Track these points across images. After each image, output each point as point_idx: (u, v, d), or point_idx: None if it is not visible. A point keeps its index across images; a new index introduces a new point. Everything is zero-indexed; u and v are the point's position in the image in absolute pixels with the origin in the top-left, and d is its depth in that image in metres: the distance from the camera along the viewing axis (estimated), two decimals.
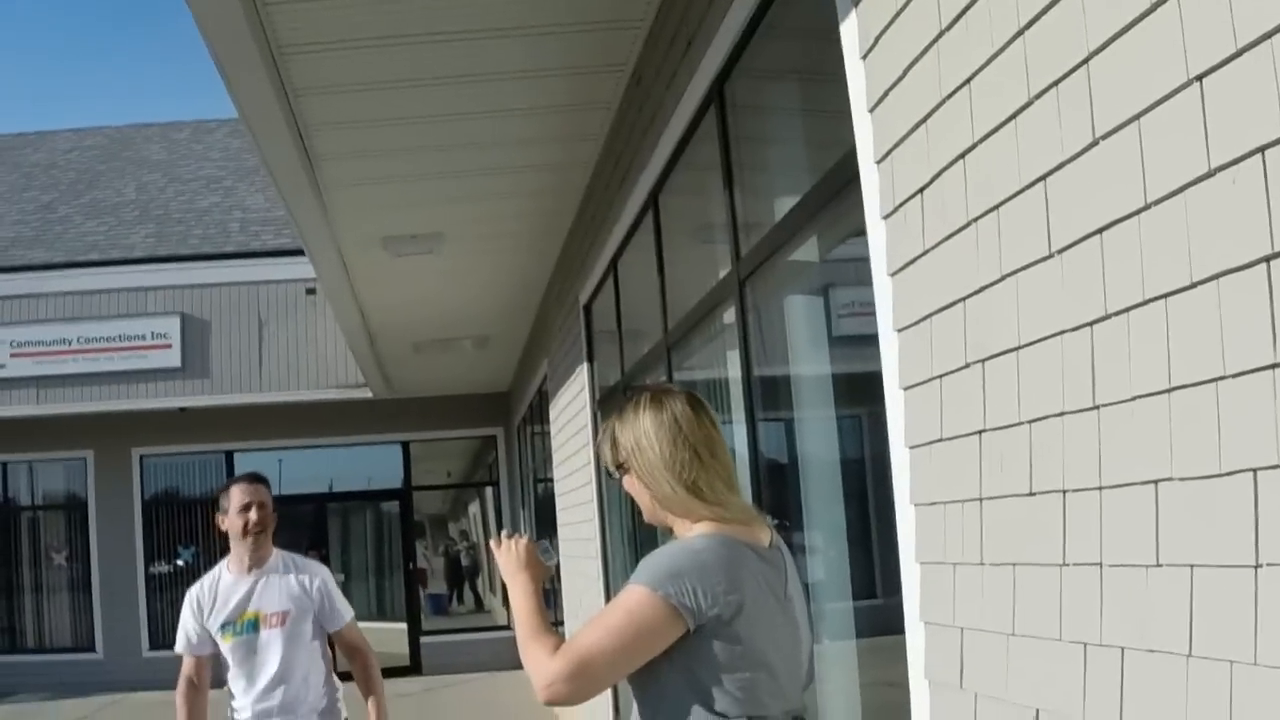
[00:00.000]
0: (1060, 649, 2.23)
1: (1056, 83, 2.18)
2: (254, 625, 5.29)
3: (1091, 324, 2.11)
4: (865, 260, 3.20)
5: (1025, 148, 2.31)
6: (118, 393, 16.79)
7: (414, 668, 18.73)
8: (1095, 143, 2.07)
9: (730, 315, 5.03)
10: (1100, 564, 2.10)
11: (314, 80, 5.92)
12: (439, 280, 10.69)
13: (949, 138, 2.63)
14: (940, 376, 2.75)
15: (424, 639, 19.27)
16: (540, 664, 2.54)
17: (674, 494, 2.68)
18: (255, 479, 5.50)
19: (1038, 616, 2.32)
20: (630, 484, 2.79)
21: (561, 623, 11.32)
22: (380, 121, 6.61)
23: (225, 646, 5.30)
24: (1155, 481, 1.94)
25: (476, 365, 15.88)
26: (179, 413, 17.52)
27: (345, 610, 5.58)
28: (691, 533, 2.65)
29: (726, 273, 4.98)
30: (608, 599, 8.45)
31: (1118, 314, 2.03)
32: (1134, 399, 2.00)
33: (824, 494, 4.51)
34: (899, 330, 3.00)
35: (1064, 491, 2.22)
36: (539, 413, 13.84)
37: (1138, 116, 1.95)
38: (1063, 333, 2.21)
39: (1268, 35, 1.64)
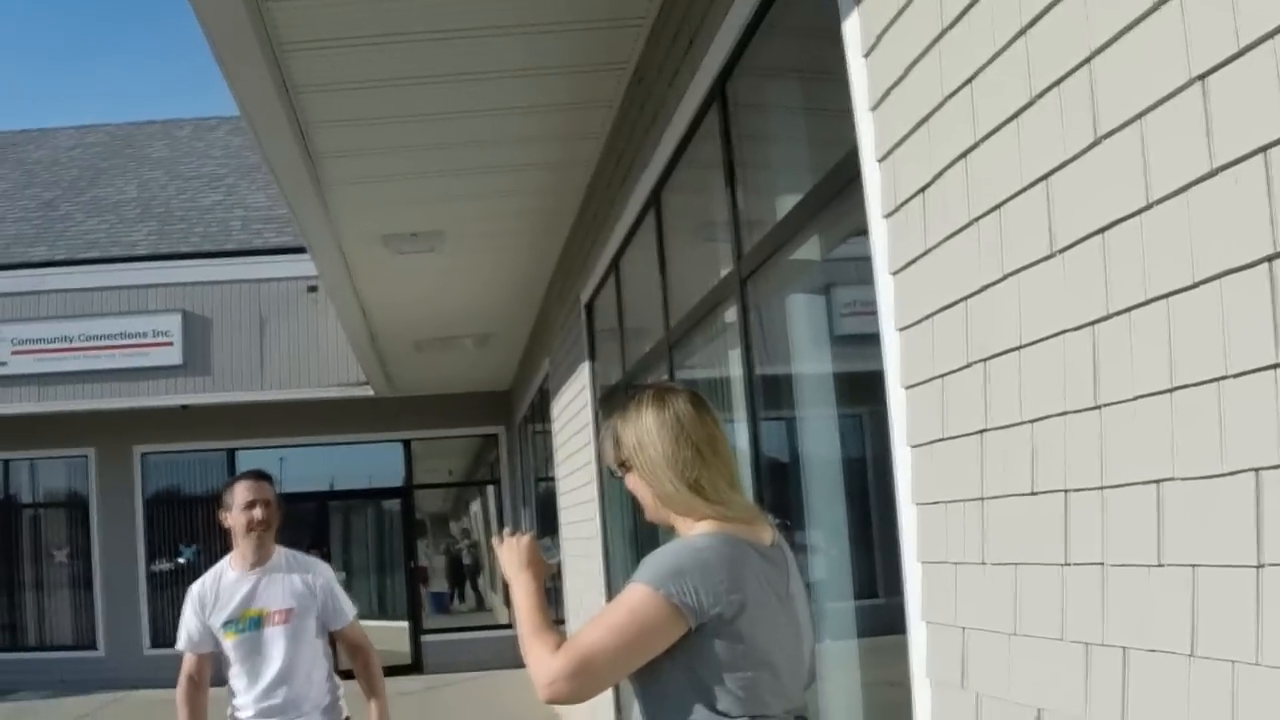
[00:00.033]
0: (1062, 649, 2.23)
1: (1058, 82, 2.18)
2: (257, 623, 5.27)
3: (1093, 323, 2.11)
4: (867, 259, 3.19)
5: (1027, 147, 2.31)
6: (119, 390, 16.80)
7: (415, 666, 18.74)
8: (1097, 142, 2.07)
9: (732, 314, 5.03)
10: (1102, 564, 2.10)
11: (315, 77, 5.91)
12: (440, 278, 10.69)
13: (951, 137, 2.63)
14: (942, 376, 2.75)
15: (425, 637, 19.28)
16: (542, 662, 2.53)
17: (676, 492, 2.68)
18: (260, 476, 5.49)
19: (1040, 616, 2.32)
20: (633, 482, 2.79)
21: (563, 621, 11.32)
22: (381, 119, 6.61)
23: (228, 644, 5.28)
24: (1157, 481, 1.94)
25: (478, 364, 15.88)
26: (180, 410, 17.52)
27: (348, 608, 5.58)
28: (693, 531, 2.65)
29: (728, 271, 4.98)
30: (609, 598, 8.45)
31: (1120, 313, 2.03)
32: (1136, 399, 2.00)
33: (825, 493, 4.51)
34: (901, 329, 3.00)
35: (1066, 491, 2.22)
36: (540, 411, 13.84)
37: (1140, 116, 1.95)
38: (1065, 332, 2.20)
39: (1270, 35, 1.64)
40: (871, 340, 3.22)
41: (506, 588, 2.97)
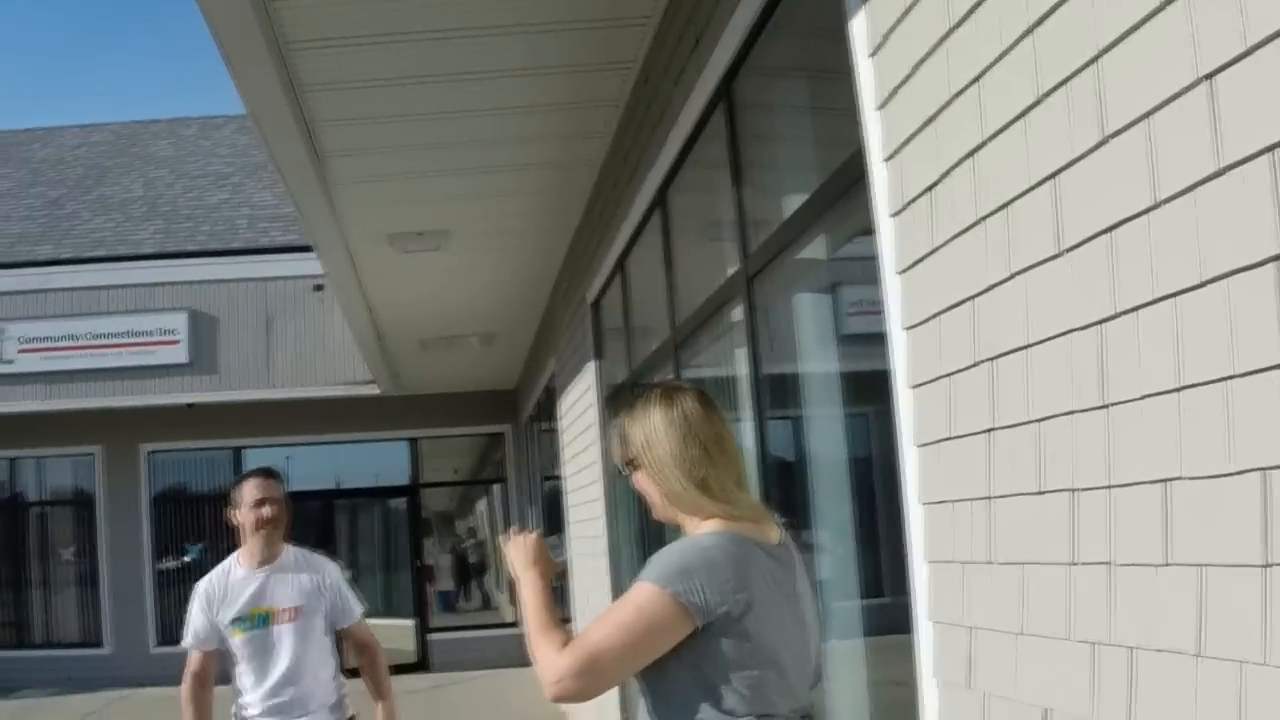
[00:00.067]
0: (1069, 648, 2.23)
1: (1066, 81, 2.18)
2: (265, 620, 5.27)
3: (1101, 323, 2.11)
4: (873, 258, 3.19)
5: (1035, 146, 2.31)
6: (125, 388, 16.81)
7: (422, 664, 18.75)
8: (1105, 141, 2.07)
9: (738, 313, 5.03)
10: (1110, 563, 2.10)
11: (321, 76, 5.92)
12: (446, 277, 10.70)
13: (958, 136, 2.63)
14: (949, 375, 2.75)
15: (432, 636, 19.29)
16: (549, 660, 2.54)
17: (683, 491, 2.68)
18: (269, 474, 5.48)
19: (1047, 615, 2.31)
20: (640, 481, 2.80)
21: (569, 620, 11.32)
22: (386, 118, 6.62)
23: (235, 642, 5.27)
24: (1165, 480, 1.94)
25: (484, 362, 15.89)
26: (187, 409, 17.52)
27: (356, 607, 5.58)
28: (700, 530, 2.66)
29: (734, 270, 4.98)
30: (615, 596, 8.45)
31: (1127, 313, 2.03)
32: (1143, 398, 1.99)
33: (832, 492, 4.51)
34: (907, 328, 3.00)
35: (1073, 490, 2.22)
36: (546, 410, 13.85)
37: (1148, 115, 1.95)
38: (1072, 331, 2.20)
39: (1278, 34, 1.63)
40: (878, 339, 3.22)
41: (513, 586, 2.96)
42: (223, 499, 5.55)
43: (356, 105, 6.36)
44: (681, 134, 5.53)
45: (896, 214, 3.02)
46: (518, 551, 2.90)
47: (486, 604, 20.80)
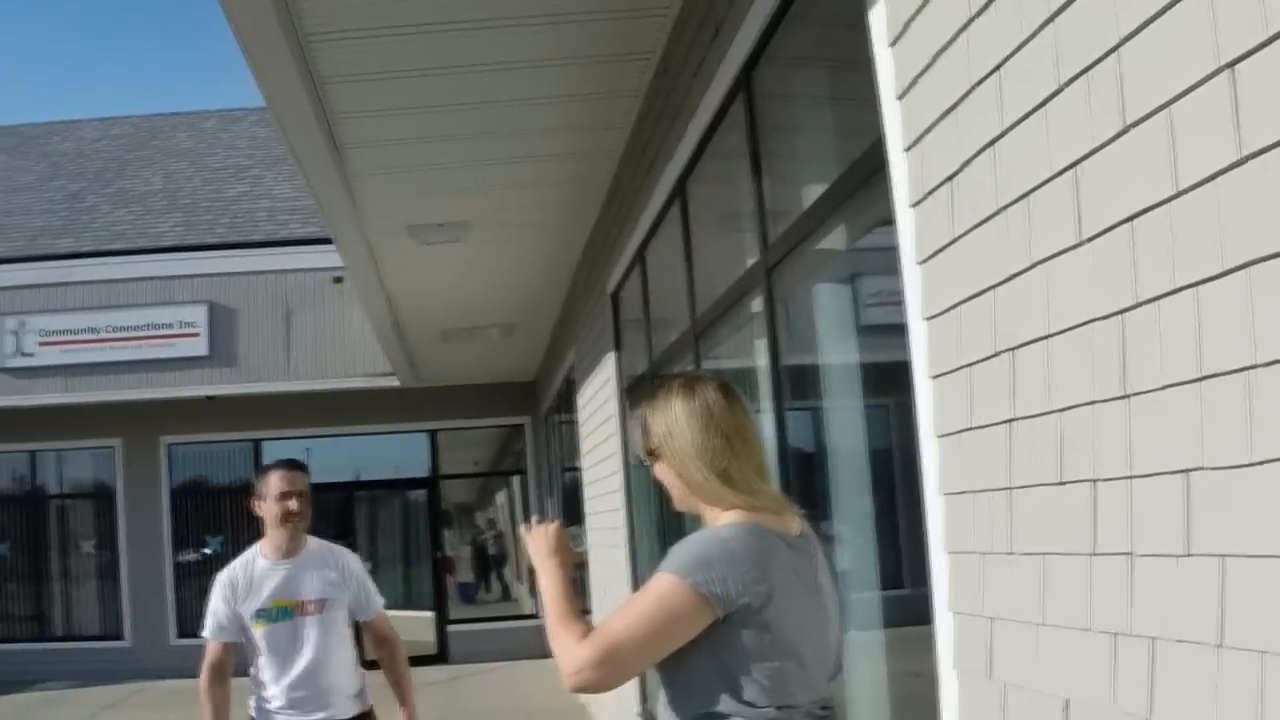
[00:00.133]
0: (1090, 639, 2.22)
1: (1087, 70, 2.17)
2: (288, 612, 5.27)
3: (1122, 312, 2.11)
4: (893, 249, 3.19)
5: (1055, 135, 2.30)
6: (145, 381, 16.85)
7: (441, 656, 18.80)
8: (1126, 130, 2.06)
9: (758, 304, 5.02)
10: (1130, 553, 2.09)
11: (340, 68, 5.93)
12: (466, 269, 10.71)
13: (978, 125, 2.63)
14: (969, 365, 2.75)
15: (451, 627, 19.33)
16: (568, 650, 2.54)
17: (705, 481, 2.68)
18: (296, 466, 5.48)
19: (1067, 606, 2.31)
20: (661, 471, 2.80)
21: (589, 611, 11.33)
22: (406, 109, 6.62)
23: (257, 634, 5.28)
24: (1186, 471, 1.93)
25: (503, 354, 15.90)
26: (207, 401, 17.58)
27: (377, 599, 5.59)
28: (721, 521, 2.65)
29: (754, 261, 4.97)
30: (635, 588, 8.46)
31: (1148, 302, 2.03)
32: (1165, 388, 1.99)
33: (852, 483, 4.51)
34: (928, 319, 2.99)
35: (1094, 481, 2.21)
36: (566, 401, 13.86)
37: (1169, 104, 1.94)
38: (1093, 321, 2.20)
39: None
40: (898, 330, 3.22)
41: (533, 576, 2.97)
42: (243, 491, 5.55)
43: (376, 97, 6.37)
44: (701, 124, 5.53)
45: (916, 204, 3.01)
46: (538, 541, 2.90)
47: (506, 596, 20.82)
